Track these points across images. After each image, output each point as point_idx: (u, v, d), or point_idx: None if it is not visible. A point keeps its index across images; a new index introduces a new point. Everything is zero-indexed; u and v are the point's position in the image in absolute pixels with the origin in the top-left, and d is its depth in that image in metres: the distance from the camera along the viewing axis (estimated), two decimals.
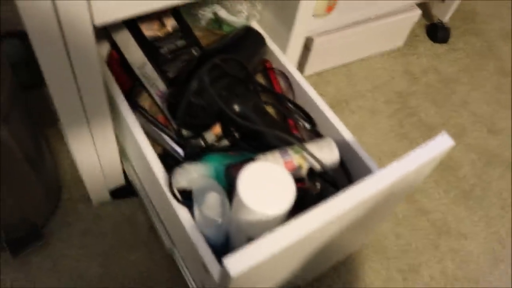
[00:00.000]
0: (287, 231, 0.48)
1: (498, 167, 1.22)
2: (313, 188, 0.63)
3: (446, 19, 1.47)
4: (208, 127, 0.70)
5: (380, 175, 0.55)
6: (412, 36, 1.47)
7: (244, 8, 0.82)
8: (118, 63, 0.82)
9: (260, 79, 0.85)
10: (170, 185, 0.61)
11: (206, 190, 0.60)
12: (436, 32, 1.48)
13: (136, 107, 0.76)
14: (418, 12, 1.32)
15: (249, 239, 0.57)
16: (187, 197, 0.63)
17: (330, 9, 1.12)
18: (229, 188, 0.62)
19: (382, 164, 1.13)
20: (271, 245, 0.47)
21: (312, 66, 1.27)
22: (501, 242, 1.08)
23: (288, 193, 0.54)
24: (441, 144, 0.60)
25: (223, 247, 0.63)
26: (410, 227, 1.07)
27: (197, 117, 0.65)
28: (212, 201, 0.58)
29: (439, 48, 1.49)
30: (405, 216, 1.09)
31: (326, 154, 0.66)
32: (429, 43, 1.50)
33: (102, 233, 0.95)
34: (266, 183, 0.54)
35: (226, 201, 0.59)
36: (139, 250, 0.94)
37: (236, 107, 0.66)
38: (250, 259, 0.45)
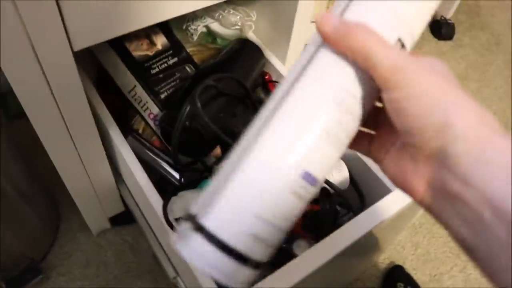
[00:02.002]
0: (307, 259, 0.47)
1: None
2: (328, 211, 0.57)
3: (449, 15, 1.42)
4: (206, 150, 0.65)
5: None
6: None
7: (237, 19, 0.77)
8: (108, 84, 0.77)
9: (260, 93, 0.80)
10: (166, 216, 0.56)
11: None
12: (440, 29, 1.43)
13: (129, 132, 0.71)
14: None
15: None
16: None
17: None
18: None
19: None
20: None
21: None
22: None
23: None
24: None
25: None
26: (429, 235, 1.02)
27: (193, 142, 0.61)
28: None
29: (444, 45, 1.44)
30: (422, 224, 1.03)
31: (334, 173, 0.61)
32: (434, 41, 1.44)
33: (104, 262, 0.91)
34: None
35: None
36: (144, 279, 0.89)
37: (235, 129, 0.61)
38: None
